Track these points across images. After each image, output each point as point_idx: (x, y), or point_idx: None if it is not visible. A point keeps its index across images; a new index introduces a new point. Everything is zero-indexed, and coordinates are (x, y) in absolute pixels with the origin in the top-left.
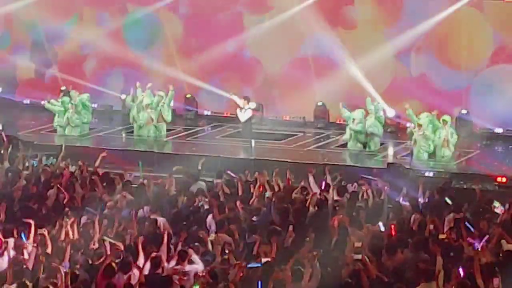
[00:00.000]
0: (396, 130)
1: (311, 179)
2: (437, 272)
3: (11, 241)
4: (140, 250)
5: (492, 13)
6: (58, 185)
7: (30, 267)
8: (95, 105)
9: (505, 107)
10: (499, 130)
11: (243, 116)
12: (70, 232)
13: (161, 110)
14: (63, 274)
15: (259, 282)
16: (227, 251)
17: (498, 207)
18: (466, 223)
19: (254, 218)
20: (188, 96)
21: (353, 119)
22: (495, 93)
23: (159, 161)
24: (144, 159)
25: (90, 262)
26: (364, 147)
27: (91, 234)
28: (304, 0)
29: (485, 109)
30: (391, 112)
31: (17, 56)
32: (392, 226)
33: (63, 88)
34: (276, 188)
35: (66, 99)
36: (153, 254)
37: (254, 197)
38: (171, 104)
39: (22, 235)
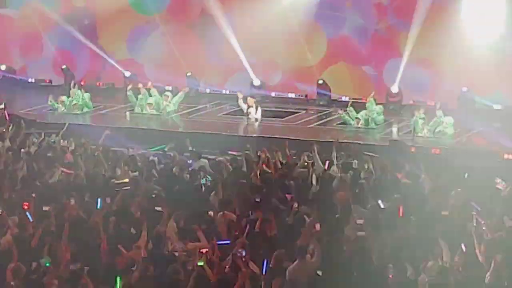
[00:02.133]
0: (399, 108)
1: (316, 156)
2: (441, 249)
3: (15, 219)
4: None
5: None
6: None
7: (33, 244)
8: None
9: None
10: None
11: (257, 115)
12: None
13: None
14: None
15: (265, 261)
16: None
17: (500, 183)
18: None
19: (257, 195)
20: (188, 74)
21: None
22: None
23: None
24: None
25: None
26: None
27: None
28: None
29: None
30: (395, 88)
31: None
32: (400, 207)
33: (63, 67)
34: (278, 165)
35: (66, 99)
36: (156, 232)
37: (256, 174)
38: (177, 103)
39: (27, 213)
